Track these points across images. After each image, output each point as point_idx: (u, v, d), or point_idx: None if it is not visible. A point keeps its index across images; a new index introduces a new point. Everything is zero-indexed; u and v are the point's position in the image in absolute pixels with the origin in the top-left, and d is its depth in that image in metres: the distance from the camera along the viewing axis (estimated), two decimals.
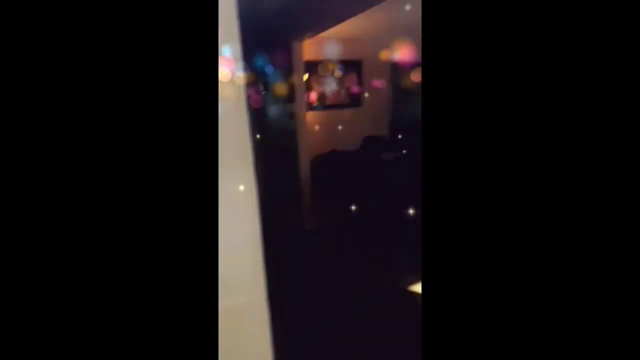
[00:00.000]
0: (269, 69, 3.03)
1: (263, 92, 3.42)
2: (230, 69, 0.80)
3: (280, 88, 2.92)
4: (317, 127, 3.92)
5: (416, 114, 8.07)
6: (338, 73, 3.98)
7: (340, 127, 4.05)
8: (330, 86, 3.98)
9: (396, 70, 4.37)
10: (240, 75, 0.82)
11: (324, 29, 2.26)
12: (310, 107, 3.88)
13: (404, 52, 4.19)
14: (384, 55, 4.09)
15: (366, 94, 4.18)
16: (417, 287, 1.97)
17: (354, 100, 4.16)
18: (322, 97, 3.98)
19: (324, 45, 3.74)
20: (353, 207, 3.29)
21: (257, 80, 3.27)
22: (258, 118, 4.33)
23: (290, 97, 2.77)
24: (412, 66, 4.70)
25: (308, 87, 3.82)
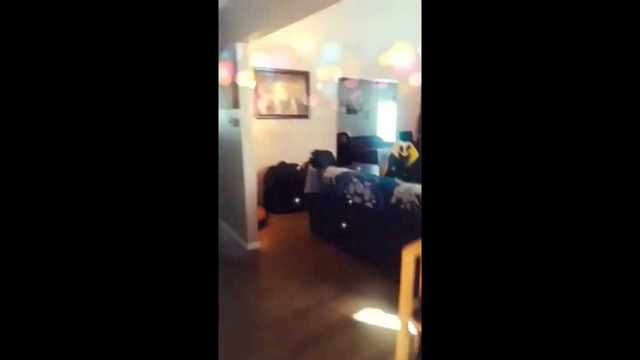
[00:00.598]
0: None
1: None
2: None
3: (225, 91, 2.68)
4: (264, 137, 3.73)
5: (362, 129, 8.39)
6: (287, 83, 3.86)
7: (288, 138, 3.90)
8: (279, 95, 3.83)
9: (343, 85, 4.42)
10: None
11: (271, 30, 2.10)
12: (258, 115, 3.69)
13: (351, 67, 4.25)
14: (332, 68, 4.10)
15: (313, 106, 4.12)
16: (361, 315, 1.86)
17: (302, 112, 4.07)
18: (270, 105, 3.81)
19: (272, 52, 3.61)
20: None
21: None
22: None
23: (235, 103, 2.54)
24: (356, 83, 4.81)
25: (256, 94, 3.63)
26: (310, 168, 3.25)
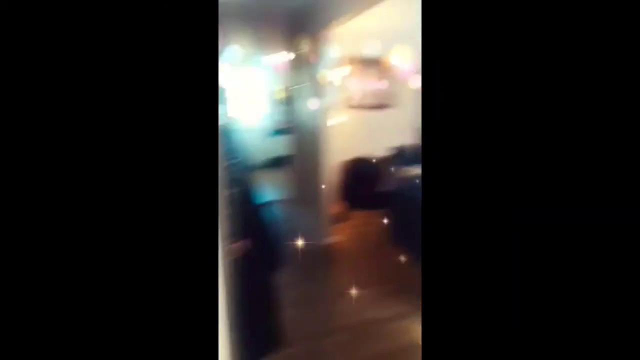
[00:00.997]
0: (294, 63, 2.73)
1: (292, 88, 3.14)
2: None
3: (308, 83, 2.62)
4: (344, 128, 3.60)
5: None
6: (367, 70, 3.60)
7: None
8: (359, 85, 3.61)
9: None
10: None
11: (353, 15, 1.91)
12: (338, 106, 3.57)
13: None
14: (411, 52, 3.65)
15: (396, 96, 3.74)
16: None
17: (384, 102, 3.75)
18: (350, 96, 3.64)
19: (352, 39, 3.40)
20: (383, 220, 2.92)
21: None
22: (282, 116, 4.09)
23: (317, 94, 2.46)
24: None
25: (335, 84, 3.51)
26: (395, 165, 3.00)
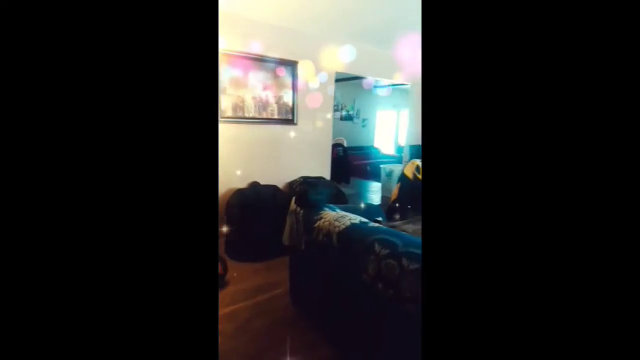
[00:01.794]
0: None
1: None
2: None
3: None
4: (229, 148, 2.32)
5: (357, 139, 6.94)
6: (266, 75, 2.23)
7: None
8: (253, 91, 2.63)
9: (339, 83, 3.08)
10: None
11: None
12: (221, 117, 2.35)
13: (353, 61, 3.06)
14: (329, 56, 2.82)
15: (302, 108, 2.79)
16: None
17: (286, 115, 2.78)
18: (239, 105, 2.54)
19: (247, 32, 2.42)
20: None
21: None
22: None
23: None
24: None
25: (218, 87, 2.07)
26: (294, 206, 1.78)
